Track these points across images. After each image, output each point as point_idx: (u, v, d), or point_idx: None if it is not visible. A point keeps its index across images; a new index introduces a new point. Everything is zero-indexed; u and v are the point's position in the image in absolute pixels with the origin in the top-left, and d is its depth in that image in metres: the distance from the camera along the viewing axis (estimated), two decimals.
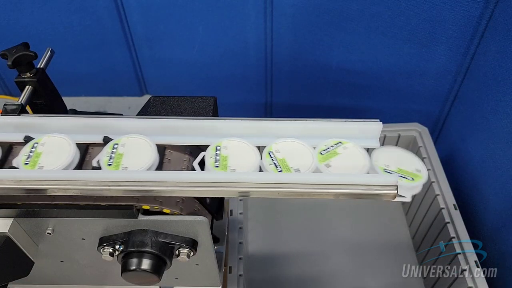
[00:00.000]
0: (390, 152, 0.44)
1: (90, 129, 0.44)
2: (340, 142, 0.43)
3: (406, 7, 0.72)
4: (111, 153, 0.41)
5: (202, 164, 0.41)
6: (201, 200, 0.44)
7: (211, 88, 1.00)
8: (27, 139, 0.43)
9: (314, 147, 0.43)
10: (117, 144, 0.42)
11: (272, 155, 0.42)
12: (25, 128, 0.44)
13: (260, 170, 0.41)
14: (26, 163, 0.40)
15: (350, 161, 0.42)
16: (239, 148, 0.42)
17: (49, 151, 0.41)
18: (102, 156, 0.40)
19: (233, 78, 0.96)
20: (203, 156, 0.41)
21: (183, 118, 0.45)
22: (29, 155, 0.41)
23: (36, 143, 0.42)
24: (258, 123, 0.44)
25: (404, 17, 0.73)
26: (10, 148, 0.43)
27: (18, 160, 0.40)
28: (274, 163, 0.41)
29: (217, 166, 0.40)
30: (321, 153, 0.42)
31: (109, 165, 0.40)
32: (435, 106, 0.85)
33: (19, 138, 0.43)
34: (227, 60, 0.92)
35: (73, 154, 0.41)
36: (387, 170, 0.42)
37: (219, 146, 0.42)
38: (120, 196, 0.38)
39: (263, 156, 0.42)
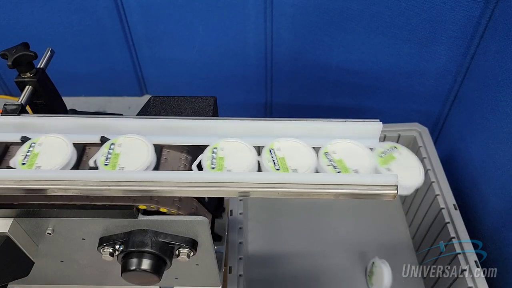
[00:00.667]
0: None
1: (87, 129, 0.44)
2: (395, 147, 0.44)
3: (406, 7, 0.72)
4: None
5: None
6: (200, 198, 0.44)
7: (211, 88, 1.00)
8: (24, 139, 0.43)
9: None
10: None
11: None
12: (23, 128, 0.44)
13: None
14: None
15: (405, 166, 0.42)
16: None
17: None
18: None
19: (233, 78, 0.96)
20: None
21: (181, 118, 0.45)
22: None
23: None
24: (258, 123, 0.44)
25: (404, 17, 0.73)
26: (6, 148, 0.43)
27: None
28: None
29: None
30: (380, 156, 0.42)
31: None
32: (435, 106, 0.85)
33: (16, 138, 0.43)
34: (227, 60, 0.92)
35: (70, 154, 0.41)
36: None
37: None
38: (116, 196, 0.38)
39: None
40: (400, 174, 0.39)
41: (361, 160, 0.41)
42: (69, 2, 0.86)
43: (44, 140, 0.42)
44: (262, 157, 0.41)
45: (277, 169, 0.40)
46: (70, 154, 0.41)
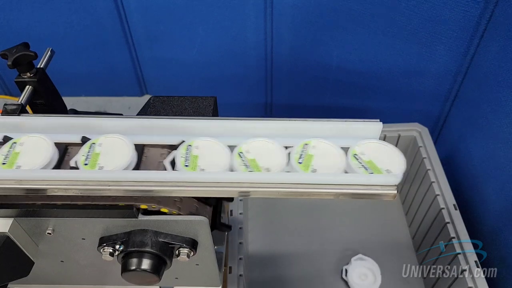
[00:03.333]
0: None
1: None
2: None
3: (406, 7, 0.72)
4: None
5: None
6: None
7: (211, 88, 1.00)
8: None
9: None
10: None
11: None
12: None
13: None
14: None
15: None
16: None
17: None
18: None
19: (233, 78, 0.96)
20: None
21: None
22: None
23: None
24: (258, 123, 0.44)
25: (404, 17, 0.73)
26: None
27: None
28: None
29: (186, 166, 0.40)
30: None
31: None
32: (435, 106, 0.85)
33: None
34: (227, 60, 0.92)
35: (52, 153, 0.41)
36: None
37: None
38: (118, 196, 0.38)
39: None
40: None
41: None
42: (69, 2, 0.86)
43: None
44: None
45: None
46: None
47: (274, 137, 0.43)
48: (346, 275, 0.75)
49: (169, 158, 0.41)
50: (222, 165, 0.41)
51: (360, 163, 0.41)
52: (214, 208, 0.46)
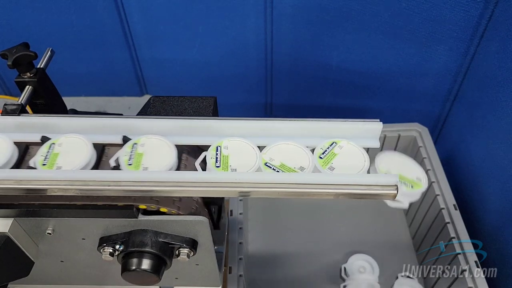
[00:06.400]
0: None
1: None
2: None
3: (406, 7, 0.72)
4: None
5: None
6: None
7: (211, 88, 1.00)
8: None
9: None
10: (54, 143, 0.42)
11: (219, 149, 0.42)
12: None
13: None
14: (44, 164, 0.40)
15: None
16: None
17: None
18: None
19: (233, 78, 0.96)
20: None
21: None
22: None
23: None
24: (259, 123, 0.44)
25: (404, 17, 0.73)
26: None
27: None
28: (217, 157, 0.41)
29: (218, 166, 0.40)
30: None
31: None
32: (435, 106, 0.85)
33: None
34: (227, 60, 0.92)
35: (90, 154, 0.41)
36: (268, 164, 0.42)
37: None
38: (116, 196, 0.38)
39: (209, 150, 0.42)
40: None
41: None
42: (69, 2, 0.86)
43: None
44: (208, 153, 0.41)
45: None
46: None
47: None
48: (345, 272, 0.75)
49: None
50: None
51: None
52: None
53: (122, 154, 0.41)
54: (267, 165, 0.41)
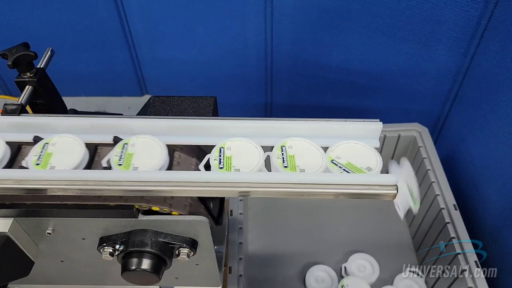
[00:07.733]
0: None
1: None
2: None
3: (406, 7, 0.72)
4: (41, 152, 0.41)
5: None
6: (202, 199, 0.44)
7: (211, 88, 1.00)
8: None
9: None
10: (47, 143, 0.42)
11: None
12: (29, 128, 0.44)
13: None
14: (38, 163, 0.40)
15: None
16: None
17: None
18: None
19: (233, 78, 0.96)
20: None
21: (186, 118, 0.45)
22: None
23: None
24: (259, 123, 0.44)
25: (404, 17, 0.73)
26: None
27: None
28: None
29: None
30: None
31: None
32: (435, 106, 0.85)
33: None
34: (227, 60, 0.92)
35: (83, 154, 0.41)
36: (334, 162, 0.42)
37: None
38: (109, 196, 0.38)
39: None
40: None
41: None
42: (69, 2, 0.86)
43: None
44: (273, 153, 0.42)
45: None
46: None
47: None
48: (345, 272, 0.75)
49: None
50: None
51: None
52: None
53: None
54: (333, 162, 0.41)
